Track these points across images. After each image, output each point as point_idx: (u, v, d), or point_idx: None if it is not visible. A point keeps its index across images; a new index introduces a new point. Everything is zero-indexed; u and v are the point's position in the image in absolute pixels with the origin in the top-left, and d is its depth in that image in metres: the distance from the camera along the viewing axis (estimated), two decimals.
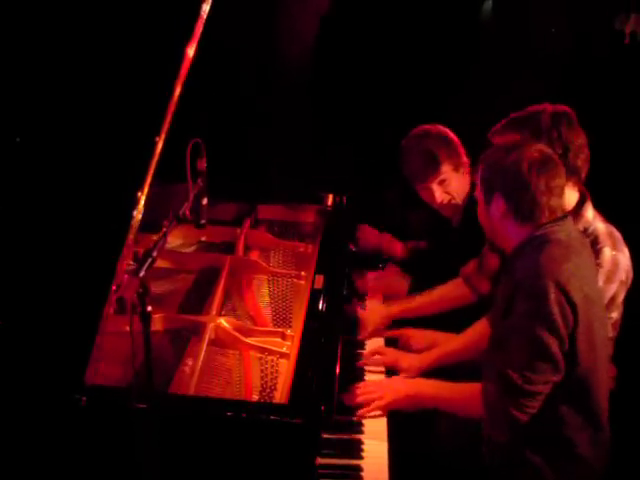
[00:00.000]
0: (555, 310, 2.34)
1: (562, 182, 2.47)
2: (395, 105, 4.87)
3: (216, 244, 3.43)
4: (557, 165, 2.47)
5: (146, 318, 1.99)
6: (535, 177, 2.42)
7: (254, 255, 3.31)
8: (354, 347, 3.17)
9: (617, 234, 2.85)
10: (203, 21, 2.57)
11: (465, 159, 3.39)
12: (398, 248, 3.90)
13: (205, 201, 2.75)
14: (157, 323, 2.74)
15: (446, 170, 3.34)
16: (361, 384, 2.82)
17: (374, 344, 3.23)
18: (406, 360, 2.99)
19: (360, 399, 2.73)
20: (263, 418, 2.18)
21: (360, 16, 5.16)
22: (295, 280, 3.12)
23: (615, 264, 2.76)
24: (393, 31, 5.20)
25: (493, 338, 2.59)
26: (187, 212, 2.44)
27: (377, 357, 3.05)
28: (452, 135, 3.41)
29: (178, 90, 2.53)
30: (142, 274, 1.95)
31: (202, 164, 2.71)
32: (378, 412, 2.72)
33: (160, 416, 2.09)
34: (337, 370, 2.56)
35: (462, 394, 2.67)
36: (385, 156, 5.04)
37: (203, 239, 3.46)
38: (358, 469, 2.50)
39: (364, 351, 3.16)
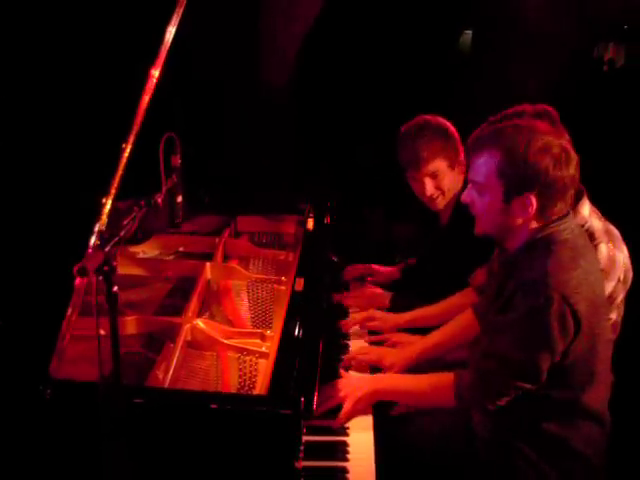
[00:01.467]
0: (555, 324, 2.23)
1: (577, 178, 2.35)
2: (377, 124, 4.83)
3: (194, 254, 3.32)
4: (575, 158, 2.33)
5: (112, 300, 1.88)
6: (563, 176, 2.28)
7: (233, 263, 3.19)
8: (337, 350, 3.04)
9: (615, 232, 2.76)
10: (168, 44, 2.47)
11: (462, 158, 3.27)
12: (388, 272, 3.79)
13: (180, 199, 2.68)
14: (131, 326, 2.63)
15: (440, 165, 3.24)
16: (324, 388, 2.64)
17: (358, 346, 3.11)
18: (389, 357, 2.89)
19: (324, 407, 2.58)
20: (239, 408, 2.06)
21: (342, 35, 5.16)
22: (275, 286, 3.01)
23: (612, 261, 2.67)
24: (374, 52, 5.21)
25: (480, 330, 2.48)
26: (159, 200, 2.32)
27: (360, 357, 2.92)
28: (453, 130, 3.30)
29: (145, 103, 2.41)
30: (107, 249, 1.84)
31: (176, 160, 2.64)
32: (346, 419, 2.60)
33: (131, 410, 2.00)
34: (318, 363, 2.43)
35: (430, 385, 2.58)
36: (367, 174, 5.06)
37: (181, 249, 3.37)
38: (344, 471, 2.37)
39: (347, 354, 3.03)
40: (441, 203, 3.33)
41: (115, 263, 1.88)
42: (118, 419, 1.96)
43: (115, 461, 1.98)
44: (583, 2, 5.83)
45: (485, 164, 2.33)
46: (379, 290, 3.53)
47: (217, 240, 3.31)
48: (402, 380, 2.70)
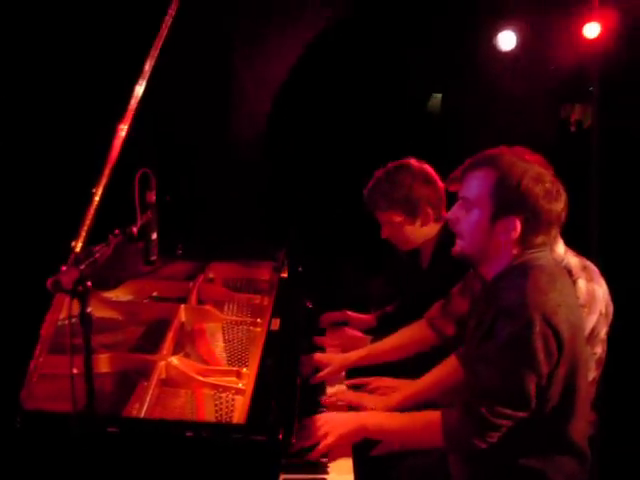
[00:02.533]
0: (539, 345, 2.21)
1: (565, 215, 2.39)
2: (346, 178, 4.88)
3: (168, 299, 3.27)
4: (565, 198, 2.37)
5: (86, 321, 1.83)
6: (551, 209, 2.32)
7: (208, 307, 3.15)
8: (314, 393, 2.98)
9: (592, 267, 2.77)
10: (137, 100, 2.49)
11: (433, 212, 3.26)
12: (363, 320, 3.74)
13: (155, 236, 2.64)
14: (104, 364, 2.57)
15: (396, 217, 3.24)
16: (307, 421, 2.58)
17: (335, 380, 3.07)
18: (370, 402, 2.81)
19: (306, 442, 2.50)
20: (218, 437, 2.00)
21: (311, 94, 5.24)
22: (251, 328, 2.96)
23: (591, 295, 2.68)
24: (342, 109, 5.28)
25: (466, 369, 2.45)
26: (134, 230, 2.29)
27: (340, 396, 2.86)
28: (432, 177, 3.29)
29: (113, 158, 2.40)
30: (82, 267, 1.80)
31: (151, 196, 2.61)
32: (326, 450, 2.51)
33: (104, 439, 1.94)
34: (297, 396, 2.38)
35: (417, 423, 2.50)
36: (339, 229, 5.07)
37: (154, 294, 3.31)
38: None
39: (325, 397, 2.97)
40: (401, 248, 3.33)
41: (89, 284, 1.84)
42: (91, 448, 1.90)
43: None
44: (548, 65, 5.96)
45: (479, 182, 2.37)
46: (358, 333, 3.47)
47: (191, 285, 3.26)
48: (389, 418, 2.61)
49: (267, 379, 2.35)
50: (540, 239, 2.35)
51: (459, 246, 2.47)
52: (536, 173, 2.32)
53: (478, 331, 2.38)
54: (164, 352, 2.61)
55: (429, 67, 5.72)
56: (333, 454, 2.52)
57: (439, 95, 7.29)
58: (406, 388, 2.87)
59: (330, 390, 3.05)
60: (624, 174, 5.74)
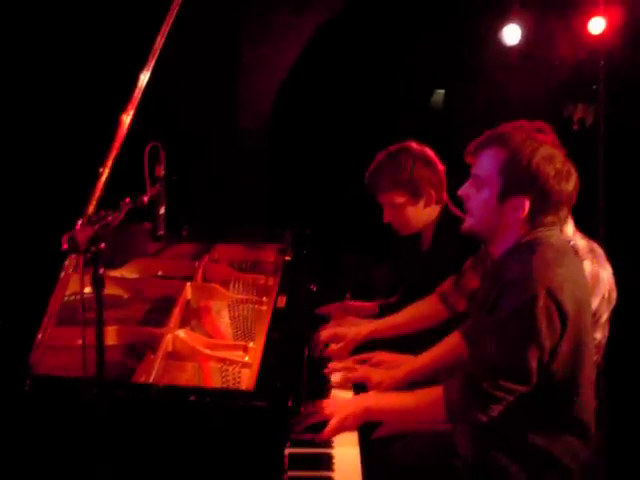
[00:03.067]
0: (542, 320, 2.21)
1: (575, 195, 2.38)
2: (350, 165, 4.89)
3: (174, 278, 3.27)
4: (576, 179, 2.37)
5: (99, 282, 1.84)
6: (561, 190, 2.31)
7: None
8: (319, 366, 2.98)
9: (599, 250, 2.77)
10: (142, 89, 2.49)
11: (434, 191, 3.26)
12: (365, 307, 3.74)
13: (163, 210, 2.64)
14: (111, 336, 2.56)
15: (399, 198, 3.24)
16: (310, 404, 2.56)
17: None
18: (376, 375, 2.82)
19: (310, 421, 2.49)
20: (227, 403, 2.00)
21: (317, 85, 5.25)
22: (257, 306, 2.96)
23: (596, 278, 2.67)
24: (348, 100, 5.30)
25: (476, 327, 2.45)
26: (145, 199, 2.30)
27: (346, 373, 2.86)
28: (433, 159, 3.29)
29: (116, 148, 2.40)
30: (96, 227, 1.81)
31: (160, 170, 2.61)
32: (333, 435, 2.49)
33: (114, 404, 1.94)
34: (304, 368, 2.38)
35: (419, 400, 2.50)
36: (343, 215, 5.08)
37: (160, 273, 3.31)
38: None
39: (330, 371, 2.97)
40: (402, 232, 3.33)
41: (102, 246, 1.85)
42: (100, 412, 1.90)
43: (96, 456, 1.91)
44: (551, 63, 5.97)
45: (489, 160, 2.37)
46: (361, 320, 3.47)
47: (197, 264, 3.26)
48: (391, 398, 2.62)
49: (274, 352, 2.35)
50: (549, 219, 2.35)
51: (468, 223, 2.48)
52: (547, 153, 2.32)
53: (483, 306, 2.38)
54: (171, 325, 2.61)
55: (433, 61, 5.71)
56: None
57: (442, 91, 7.32)
58: (410, 363, 2.87)
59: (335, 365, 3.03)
60: (629, 172, 5.75)
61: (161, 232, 2.64)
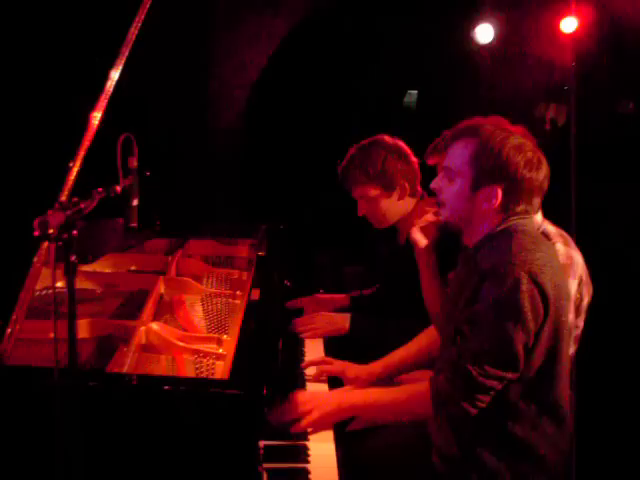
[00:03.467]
0: (526, 304, 2.21)
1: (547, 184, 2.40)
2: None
3: (147, 272, 3.24)
4: (547, 168, 2.38)
5: (71, 269, 1.81)
6: (532, 178, 2.33)
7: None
8: (295, 359, 2.97)
9: (568, 237, 2.78)
10: (111, 88, 2.46)
11: (407, 184, 3.25)
12: (336, 299, 3.71)
13: (136, 202, 2.61)
14: (83, 329, 2.53)
15: (372, 191, 3.23)
16: (288, 399, 2.52)
17: (314, 354, 3.05)
18: (352, 369, 2.81)
19: (288, 417, 2.47)
20: (201, 392, 1.98)
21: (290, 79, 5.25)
22: (230, 300, 2.94)
23: (570, 258, 2.68)
24: (322, 95, 5.30)
25: (448, 332, 2.44)
26: (117, 189, 2.27)
27: (322, 367, 2.84)
28: (406, 152, 3.29)
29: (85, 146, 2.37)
30: (68, 213, 1.78)
31: (133, 161, 2.58)
32: (309, 426, 2.48)
33: (86, 394, 1.93)
34: (278, 359, 2.37)
35: (404, 394, 2.50)
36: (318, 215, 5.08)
37: (133, 268, 3.28)
38: (306, 472, 2.28)
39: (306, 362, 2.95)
40: (378, 225, 3.32)
41: (75, 232, 1.82)
42: (72, 403, 1.87)
43: (68, 448, 1.88)
44: (524, 62, 5.99)
45: (460, 151, 2.38)
46: (334, 314, 3.44)
47: (170, 259, 3.24)
48: (374, 394, 2.59)
49: (248, 342, 2.33)
50: (522, 207, 2.37)
51: (443, 215, 2.49)
52: (517, 142, 2.34)
53: (461, 297, 2.37)
54: (144, 318, 2.58)
55: (404, 60, 5.72)
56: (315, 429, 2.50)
57: (414, 91, 7.34)
58: (387, 357, 2.86)
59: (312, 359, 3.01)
60: (600, 171, 5.78)
61: (134, 224, 2.61)
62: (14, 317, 2.07)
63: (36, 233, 1.74)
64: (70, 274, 1.81)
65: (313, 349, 3.13)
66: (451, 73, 5.68)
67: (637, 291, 4.70)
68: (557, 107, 7.25)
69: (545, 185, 2.39)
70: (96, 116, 2.43)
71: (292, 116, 5.27)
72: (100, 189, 2.21)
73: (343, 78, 5.48)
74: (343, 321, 3.32)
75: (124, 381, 2.11)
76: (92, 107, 2.44)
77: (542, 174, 2.36)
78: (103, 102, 2.44)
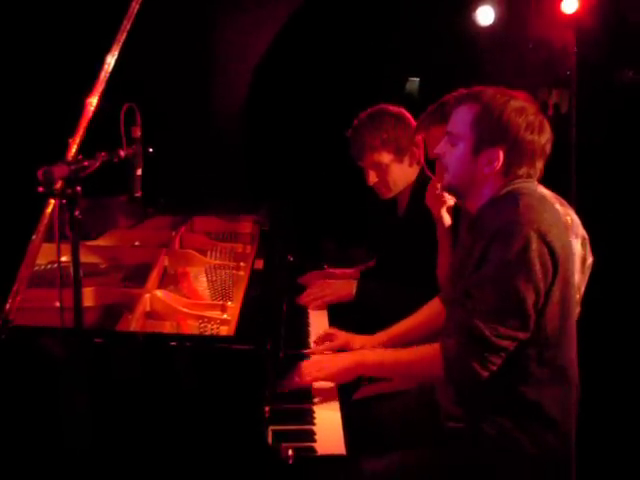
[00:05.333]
0: (536, 262, 2.22)
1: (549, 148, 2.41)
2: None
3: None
4: (549, 131, 2.39)
5: (75, 225, 1.83)
6: (533, 141, 2.34)
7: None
8: (299, 331, 2.98)
9: (564, 201, 2.79)
10: (107, 73, 2.47)
11: (417, 150, 3.27)
12: (346, 273, 3.73)
13: (139, 172, 2.61)
14: (88, 297, 2.54)
15: (384, 157, 3.24)
16: (296, 367, 2.52)
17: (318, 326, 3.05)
18: (358, 341, 2.81)
19: (297, 380, 2.48)
20: (208, 347, 2.00)
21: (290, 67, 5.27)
22: (234, 272, 2.95)
23: (570, 218, 2.68)
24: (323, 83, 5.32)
25: (456, 296, 2.44)
26: (121, 153, 2.29)
27: (327, 344, 2.84)
28: (410, 122, 3.29)
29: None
30: (72, 167, 1.80)
31: (136, 131, 2.59)
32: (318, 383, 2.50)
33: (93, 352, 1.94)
34: (282, 319, 2.38)
35: (416, 355, 2.48)
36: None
37: (137, 244, 3.29)
38: (311, 433, 2.28)
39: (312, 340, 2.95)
40: (386, 194, 3.33)
41: (79, 189, 1.84)
42: (79, 363, 1.89)
43: (75, 408, 1.90)
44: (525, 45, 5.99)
45: (462, 115, 2.39)
46: (339, 280, 3.46)
47: (173, 233, 3.25)
48: (386, 353, 2.59)
49: (252, 306, 2.35)
50: (524, 170, 2.37)
51: (446, 179, 2.50)
52: (518, 105, 2.35)
53: (469, 261, 2.38)
54: (149, 286, 2.60)
55: (406, 44, 5.72)
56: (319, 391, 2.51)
57: (416, 79, 7.33)
58: (392, 328, 2.86)
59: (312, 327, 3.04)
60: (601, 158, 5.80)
61: (138, 193, 2.62)
62: (14, 291, 2.07)
63: (40, 188, 1.76)
64: (74, 230, 1.82)
65: (317, 320, 3.13)
66: (452, 56, 5.67)
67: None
68: (560, 92, 7.26)
69: (547, 148, 2.40)
70: (92, 102, 2.44)
71: (294, 100, 5.28)
72: (104, 153, 2.23)
73: (344, 62, 5.48)
74: (349, 287, 3.33)
75: (130, 338, 2.11)
76: (90, 92, 2.45)
77: (544, 137, 2.37)
78: (100, 86, 2.45)
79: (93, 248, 3.07)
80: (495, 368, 2.28)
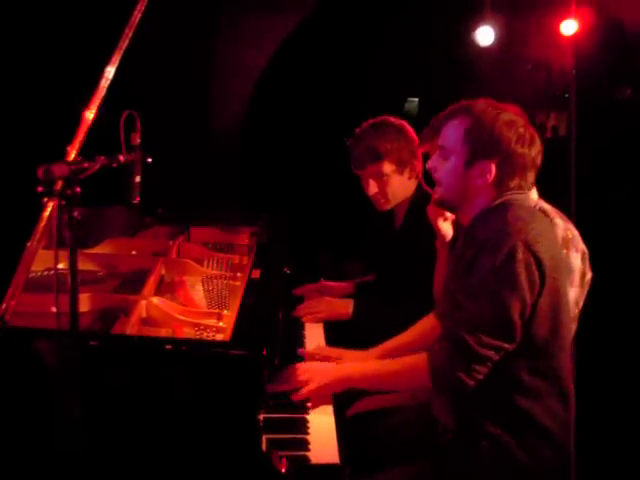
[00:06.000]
0: (522, 272, 2.23)
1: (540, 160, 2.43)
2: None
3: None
4: (540, 144, 2.42)
5: (73, 226, 1.83)
6: (524, 154, 2.36)
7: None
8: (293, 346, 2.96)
9: (563, 214, 2.80)
10: (107, 82, 2.47)
11: (417, 163, 3.28)
12: (340, 287, 3.73)
13: (138, 179, 2.62)
14: (84, 303, 2.54)
15: (387, 167, 3.24)
16: (288, 369, 2.54)
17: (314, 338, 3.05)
18: (350, 357, 2.80)
19: (286, 387, 2.49)
20: (204, 351, 2.00)
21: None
22: (230, 282, 2.95)
23: (571, 233, 2.69)
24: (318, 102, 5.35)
25: (446, 306, 2.45)
26: (121, 158, 2.29)
27: (320, 353, 2.84)
28: (411, 134, 3.29)
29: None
30: (72, 167, 1.80)
31: (136, 138, 2.60)
32: (308, 395, 2.49)
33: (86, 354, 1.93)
34: (279, 327, 2.38)
35: (402, 366, 2.49)
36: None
37: (134, 253, 3.28)
38: (306, 442, 2.28)
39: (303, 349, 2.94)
40: (384, 205, 3.32)
41: (78, 190, 1.84)
42: (73, 365, 1.88)
43: (68, 410, 1.90)
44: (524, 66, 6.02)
45: (454, 129, 2.42)
46: (337, 299, 3.45)
47: (171, 243, 3.25)
48: (373, 365, 2.62)
49: (249, 313, 2.35)
50: (516, 182, 2.39)
51: (438, 193, 2.51)
52: (508, 119, 2.37)
53: (458, 270, 2.39)
54: (145, 293, 2.59)
55: (404, 61, 5.74)
56: (314, 402, 2.50)
57: (416, 99, 7.37)
58: (386, 343, 2.85)
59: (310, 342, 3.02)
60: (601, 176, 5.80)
61: (136, 200, 2.62)
62: (9, 295, 2.07)
63: (40, 188, 1.76)
64: (73, 231, 1.82)
65: (313, 333, 3.11)
66: (451, 76, 5.69)
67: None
68: (558, 115, 7.30)
69: (538, 161, 2.42)
70: (89, 115, 2.44)
71: (292, 113, 5.30)
72: (103, 157, 2.23)
73: (343, 79, 5.50)
74: (346, 306, 3.31)
75: (126, 341, 2.11)
76: (88, 102, 2.45)
77: (535, 150, 2.39)
78: (99, 96, 2.46)
79: (90, 256, 3.06)
80: (481, 377, 2.28)
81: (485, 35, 5.57)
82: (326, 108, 5.39)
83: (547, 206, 2.75)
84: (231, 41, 5.20)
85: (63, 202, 1.82)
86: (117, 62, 2.52)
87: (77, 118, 2.42)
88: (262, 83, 5.32)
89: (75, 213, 1.82)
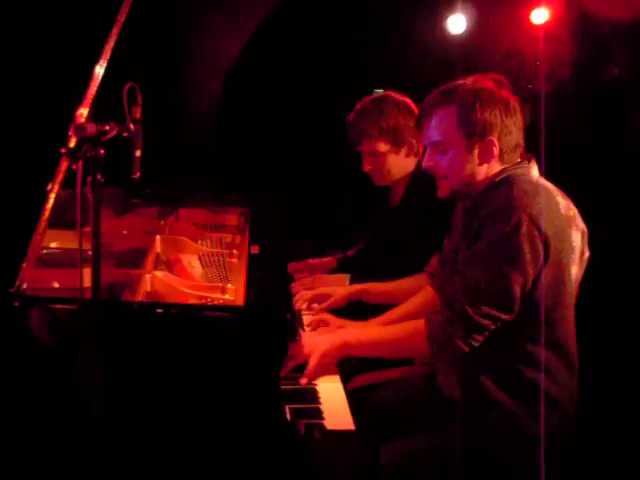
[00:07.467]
0: (525, 245, 2.26)
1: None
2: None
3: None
4: (518, 111, 2.45)
5: (97, 188, 1.81)
6: (516, 121, 2.41)
7: None
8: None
9: (564, 193, 2.82)
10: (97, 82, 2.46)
11: (416, 143, 3.27)
12: (324, 263, 3.75)
13: (139, 153, 2.59)
14: (88, 278, 2.49)
15: (382, 147, 3.24)
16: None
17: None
18: (351, 327, 2.82)
19: (288, 366, 2.48)
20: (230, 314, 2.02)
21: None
22: (227, 258, 2.93)
23: (572, 210, 2.71)
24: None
25: (446, 276, 2.47)
26: (131, 127, 2.27)
27: (322, 320, 2.85)
28: (415, 111, 3.29)
29: None
30: (99, 126, 1.79)
31: (136, 112, 2.57)
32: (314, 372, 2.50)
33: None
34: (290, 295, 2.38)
35: (399, 332, 2.54)
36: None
37: (125, 232, 3.24)
38: (319, 411, 2.30)
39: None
40: (380, 181, 3.34)
41: (102, 151, 1.83)
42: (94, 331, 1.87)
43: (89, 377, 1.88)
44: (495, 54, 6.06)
45: (442, 121, 2.43)
46: (333, 275, 3.47)
47: (162, 223, 3.23)
48: (370, 331, 2.64)
49: (260, 283, 2.34)
50: (517, 151, 2.44)
51: (447, 188, 2.52)
52: (488, 94, 2.40)
53: (463, 243, 2.41)
54: (148, 267, 2.57)
55: (375, 50, 5.74)
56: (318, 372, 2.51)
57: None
58: (386, 313, 2.87)
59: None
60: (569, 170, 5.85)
61: (136, 175, 2.59)
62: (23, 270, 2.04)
63: (63, 149, 1.74)
64: (96, 194, 1.81)
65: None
66: (422, 64, 5.70)
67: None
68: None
69: (525, 121, 2.47)
70: (83, 113, 2.42)
71: (270, 99, 5.30)
72: (112, 125, 2.20)
73: (317, 65, 5.49)
74: (342, 282, 3.34)
75: (149, 307, 2.09)
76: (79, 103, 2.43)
77: (520, 114, 2.44)
78: (90, 97, 2.44)
79: (85, 234, 3.00)
80: (477, 345, 2.32)
81: (457, 23, 5.59)
82: (300, 93, 5.38)
83: (548, 183, 2.77)
84: (203, 32, 5.19)
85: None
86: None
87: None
88: (238, 67, 5.30)
89: (99, 175, 1.80)
